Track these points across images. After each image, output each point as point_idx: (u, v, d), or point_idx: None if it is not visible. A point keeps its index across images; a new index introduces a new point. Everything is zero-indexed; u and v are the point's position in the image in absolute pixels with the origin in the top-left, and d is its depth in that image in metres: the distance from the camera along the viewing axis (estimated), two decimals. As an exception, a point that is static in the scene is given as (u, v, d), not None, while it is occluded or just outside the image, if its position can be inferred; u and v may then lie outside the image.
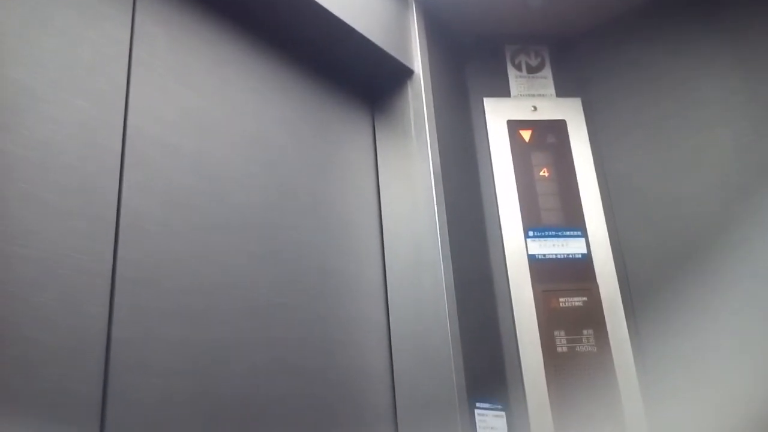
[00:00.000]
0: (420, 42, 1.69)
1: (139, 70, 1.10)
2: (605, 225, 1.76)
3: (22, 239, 0.86)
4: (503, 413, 1.48)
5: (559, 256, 1.70)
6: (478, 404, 1.42)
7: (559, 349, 1.61)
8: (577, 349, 1.61)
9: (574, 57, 2.00)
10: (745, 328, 1.51)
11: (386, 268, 1.57)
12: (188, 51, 1.21)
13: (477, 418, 1.41)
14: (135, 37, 1.11)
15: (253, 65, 1.36)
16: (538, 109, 1.88)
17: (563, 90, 1.94)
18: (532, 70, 1.95)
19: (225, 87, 1.27)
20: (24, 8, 0.95)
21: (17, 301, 0.83)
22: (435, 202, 1.52)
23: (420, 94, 1.63)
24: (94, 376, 0.89)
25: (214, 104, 1.24)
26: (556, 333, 1.62)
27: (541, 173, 1.80)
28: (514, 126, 1.85)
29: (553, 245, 1.72)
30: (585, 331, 1.63)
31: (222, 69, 1.28)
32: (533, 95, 1.91)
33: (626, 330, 1.65)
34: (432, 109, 1.62)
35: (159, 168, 1.08)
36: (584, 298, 1.66)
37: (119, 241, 0.98)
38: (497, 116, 1.86)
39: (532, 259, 1.70)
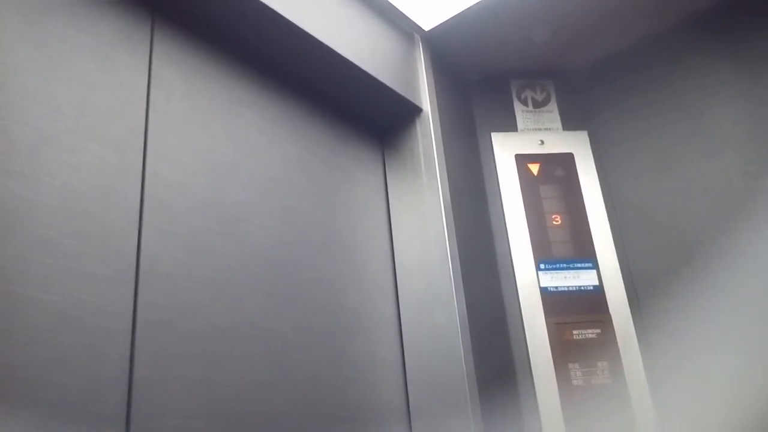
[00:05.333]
0: (427, 80, 1.72)
1: (157, 116, 1.12)
2: (616, 255, 1.77)
3: (43, 284, 0.87)
4: (521, 448, 1.47)
5: (571, 288, 1.71)
6: (495, 439, 1.42)
7: (574, 382, 1.60)
8: (593, 381, 1.60)
9: (579, 90, 2.03)
10: (762, 352, 1.51)
11: (399, 305, 1.58)
12: (204, 95, 1.24)
13: (494, 453, 1.40)
14: (152, 83, 1.14)
15: (266, 107, 1.39)
16: (545, 142, 1.90)
17: (569, 123, 1.96)
18: (538, 105, 1.98)
19: (240, 129, 1.30)
20: (42, 57, 0.98)
21: (39, 345, 0.84)
22: (446, 237, 1.53)
23: (429, 131, 1.65)
24: (116, 419, 0.90)
25: (230, 147, 1.26)
26: (570, 365, 1.62)
27: (551, 206, 1.81)
28: (522, 160, 1.87)
29: (565, 277, 1.72)
30: (599, 363, 1.62)
31: (237, 112, 1.31)
32: (540, 129, 1.93)
33: (641, 361, 1.64)
34: (441, 146, 1.64)
35: (177, 211, 1.10)
36: (598, 330, 1.66)
37: (139, 284, 0.99)
38: (505, 151, 1.88)
39: (545, 292, 1.70)
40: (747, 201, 1.63)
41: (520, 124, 1.94)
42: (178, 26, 1.24)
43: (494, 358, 1.57)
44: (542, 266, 1.74)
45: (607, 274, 1.74)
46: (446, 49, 1.86)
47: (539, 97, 1.99)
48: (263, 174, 1.32)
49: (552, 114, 1.97)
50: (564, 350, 1.64)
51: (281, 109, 1.44)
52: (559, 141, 1.91)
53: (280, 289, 1.26)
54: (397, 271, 1.61)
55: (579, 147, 1.91)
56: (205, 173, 1.18)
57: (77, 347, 0.88)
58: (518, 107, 1.97)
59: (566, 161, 1.88)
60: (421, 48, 1.77)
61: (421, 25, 1.74)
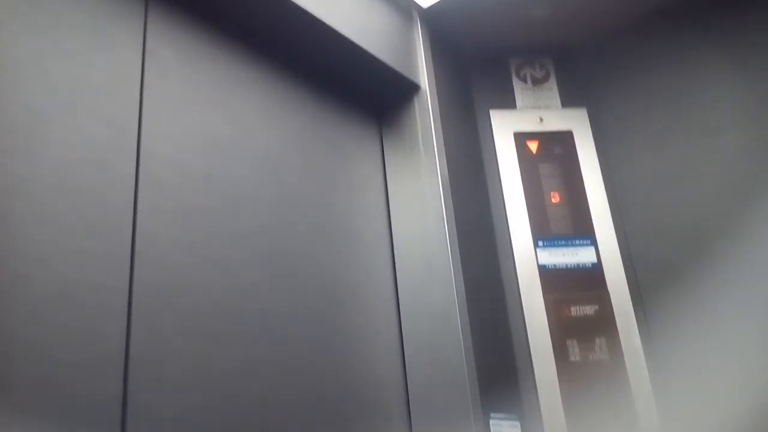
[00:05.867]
0: (425, 57, 1.71)
1: (151, 93, 1.12)
2: (614, 233, 1.77)
3: (41, 261, 0.88)
4: (518, 423, 1.48)
5: (569, 266, 1.71)
6: (492, 414, 1.43)
7: (572, 358, 1.61)
8: (590, 357, 1.61)
9: (578, 67, 2.02)
10: (757, 330, 1.51)
11: (398, 283, 1.58)
12: (199, 73, 1.24)
13: (492, 428, 1.41)
14: (146, 60, 1.14)
15: (262, 84, 1.39)
16: (544, 120, 1.89)
17: (569, 100, 1.95)
18: (537, 82, 1.97)
19: (235, 106, 1.30)
20: (37, 35, 0.97)
21: (35, 323, 0.85)
22: (444, 215, 1.53)
23: (427, 109, 1.64)
24: (113, 394, 0.91)
25: (225, 124, 1.26)
26: (568, 342, 1.63)
27: (549, 183, 1.81)
28: (521, 138, 1.86)
29: (563, 254, 1.72)
30: (597, 340, 1.63)
31: (232, 89, 1.30)
32: (539, 107, 1.92)
33: (638, 337, 1.65)
34: (439, 123, 1.64)
35: (172, 188, 1.10)
36: (596, 307, 1.67)
37: (135, 260, 1.00)
38: (504, 128, 1.87)
39: (543, 269, 1.71)
40: (746, 179, 1.62)
41: (519, 102, 1.93)
42: (172, 3, 1.23)
43: (492, 334, 1.58)
44: (540, 243, 1.74)
45: (605, 251, 1.74)
46: (445, 27, 1.84)
47: (538, 74, 1.98)
48: (259, 152, 1.32)
49: (551, 91, 1.96)
50: (562, 327, 1.65)
51: (277, 86, 1.43)
52: (558, 118, 1.90)
53: (277, 267, 1.26)
54: (395, 248, 1.62)
55: (578, 124, 1.90)
56: (201, 151, 1.18)
57: (73, 325, 0.89)
58: (517, 84, 1.96)
59: (565, 139, 1.88)
60: (419, 25, 1.76)
61: (419, 3, 1.73)
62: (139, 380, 0.95)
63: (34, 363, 0.83)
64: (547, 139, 1.87)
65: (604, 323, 1.65)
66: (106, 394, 0.90)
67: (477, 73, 1.98)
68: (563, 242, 1.74)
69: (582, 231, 1.76)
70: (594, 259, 1.72)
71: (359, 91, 1.68)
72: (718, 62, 1.74)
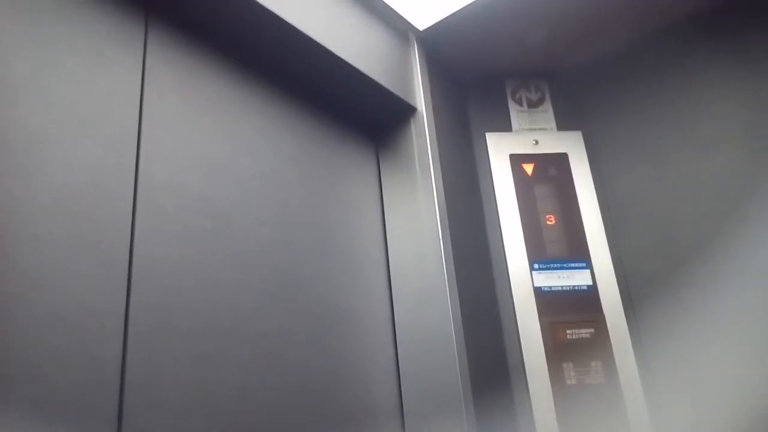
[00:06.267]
0: (422, 79, 1.72)
1: (150, 114, 1.12)
2: (609, 255, 1.77)
3: (36, 284, 0.87)
4: (514, 447, 1.48)
5: (565, 288, 1.71)
6: (488, 439, 1.42)
7: (568, 382, 1.61)
8: (586, 381, 1.61)
9: (573, 90, 2.03)
10: (757, 353, 1.51)
11: (393, 304, 1.58)
12: (198, 94, 1.24)
13: (488, 452, 1.40)
14: (146, 81, 1.14)
15: (260, 106, 1.39)
16: (539, 142, 1.90)
17: (564, 123, 1.96)
18: (533, 105, 1.98)
19: (234, 128, 1.30)
20: (35, 54, 0.97)
21: (30, 346, 0.84)
22: (440, 237, 1.53)
23: (423, 131, 1.65)
24: (108, 419, 0.89)
25: (224, 146, 1.26)
26: (564, 365, 1.62)
27: (545, 206, 1.81)
28: (516, 160, 1.87)
29: (559, 277, 1.72)
30: (593, 363, 1.63)
31: (231, 111, 1.30)
32: (534, 129, 1.93)
33: (634, 360, 1.64)
34: (435, 145, 1.64)
35: (171, 211, 1.10)
36: (591, 330, 1.67)
37: (132, 283, 0.99)
38: (500, 151, 1.88)
39: (538, 292, 1.71)
40: (742, 200, 1.63)
41: (514, 124, 1.94)
42: (172, 24, 1.24)
43: (488, 357, 1.57)
44: (536, 266, 1.74)
45: (600, 274, 1.74)
46: (441, 49, 1.86)
47: (534, 96, 2.00)
48: (257, 173, 1.32)
49: (546, 114, 1.97)
50: (558, 350, 1.64)
51: (275, 108, 1.44)
52: (553, 141, 1.92)
53: (273, 288, 1.26)
54: (391, 270, 1.61)
55: (573, 147, 1.91)
56: (199, 172, 1.18)
57: (68, 348, 0.88)
58: (513, 107, 1.97)
59: (560, 161, 1.88)
60: (415, 47, 1.77)
61: (415, 25, 1.74)
62: (135, 404, 0.94)
63: (28, 385, 0.82)
64: (543, 161, 1.88)
65: (599, 346, 1.65)
66: (101, 418, 0.89)
67: (473, 95, 2.00)
68: (558, 264, 1.74)
69: (577, 253, 1.76)
70: (589, 282, 1.72)
71: (356, 112, 1.68)
72: (713, 83, 1.75)
